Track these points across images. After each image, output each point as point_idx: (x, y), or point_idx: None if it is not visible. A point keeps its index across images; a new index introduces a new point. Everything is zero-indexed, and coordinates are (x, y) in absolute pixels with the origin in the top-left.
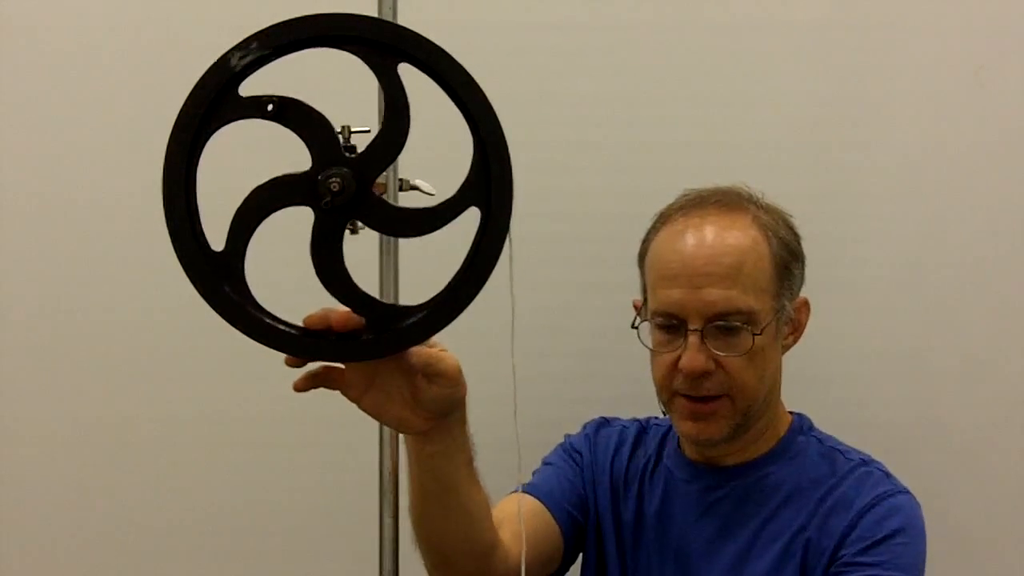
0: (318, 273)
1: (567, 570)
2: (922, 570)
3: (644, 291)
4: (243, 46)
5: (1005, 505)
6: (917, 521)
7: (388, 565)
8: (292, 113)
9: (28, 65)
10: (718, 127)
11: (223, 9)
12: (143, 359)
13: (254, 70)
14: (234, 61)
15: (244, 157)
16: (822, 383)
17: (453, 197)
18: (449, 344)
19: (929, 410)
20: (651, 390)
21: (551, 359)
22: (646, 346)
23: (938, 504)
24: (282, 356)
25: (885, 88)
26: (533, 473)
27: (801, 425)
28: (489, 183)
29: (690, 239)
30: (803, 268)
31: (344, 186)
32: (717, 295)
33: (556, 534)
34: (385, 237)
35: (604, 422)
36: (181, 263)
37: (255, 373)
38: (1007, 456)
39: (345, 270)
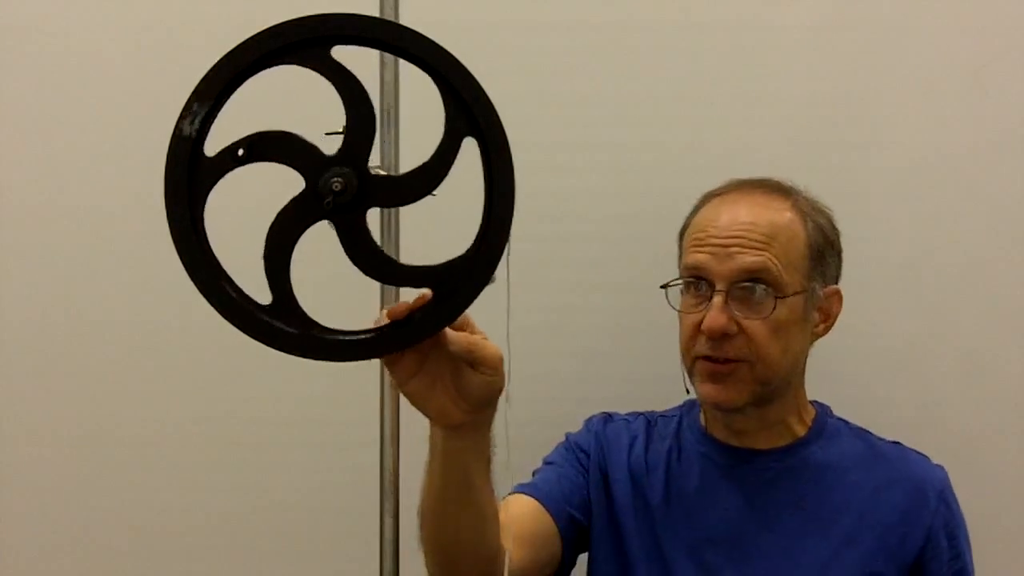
0: (367, 273)
1: (567, 573)
2: None
3: (679, 262)
4: (187, 110)
5: (1005, 505)
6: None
7: (388, 565)
8: (262, 147)
9: (28, 65)
10: (718, 127)
11: (223, 8)
12: (143, 359)
13: (209, 126)
14: (187, 129)
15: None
16: (822, 383)
17: (444, 136)
18: None
19: (929, 410)
20: (650, 390)
21: (551, 359)
22: (674, 307)
23: None
24: (282, 356)
25: (885, 89)
26: (534, 472)
27: (826, 409)
28: (466, 106)
29: (728, 211)
30: (839, 261)
31: (345, 182)
32: (744, 259)
33: (555, 536)
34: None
35: (608, 417)
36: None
37: (255, 373)
38: (1007, 456)
39: (390, 256)
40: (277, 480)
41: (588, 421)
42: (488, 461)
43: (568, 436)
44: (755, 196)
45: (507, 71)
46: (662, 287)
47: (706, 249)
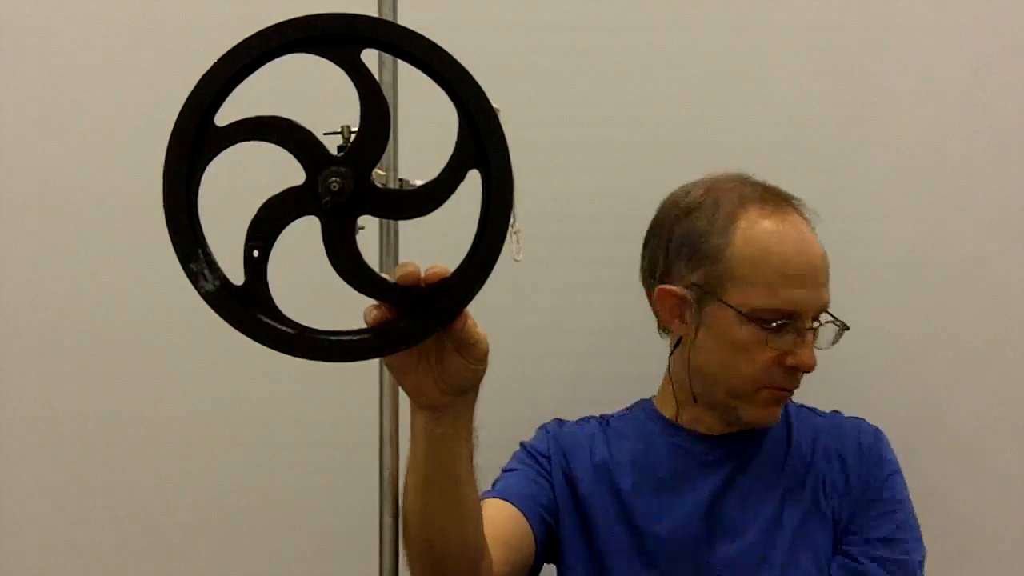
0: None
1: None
2: None
3: (712, 280)
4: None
5: (1005, 505)
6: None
7: (388, 565)
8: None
9: (28, 65)
10: (718, 127)
11: (223, 7)
12: (143, 359)
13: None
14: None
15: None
16: (821, 383)
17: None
18: None
19: (929, 410)
20: (649, 390)
21: (551, 359)
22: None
23: (938, 504)
24: (281, 358)
25: (884, 88)
26: (493, 483)
27: None
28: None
29: (794, 240)
30: None
31: (343, 184)
32: (826, 294)
33: (530, 537)
34: (385, 236)
35: (561, 422)
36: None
37: (255, 373)
38: (1007, 456)
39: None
40: (277, 480)
41: (542, 428)
42: (471, 454)
43: (523, 444)
44: (795, 215)
45: (507, 71)
46: (770, 328)
47: (801, 287)
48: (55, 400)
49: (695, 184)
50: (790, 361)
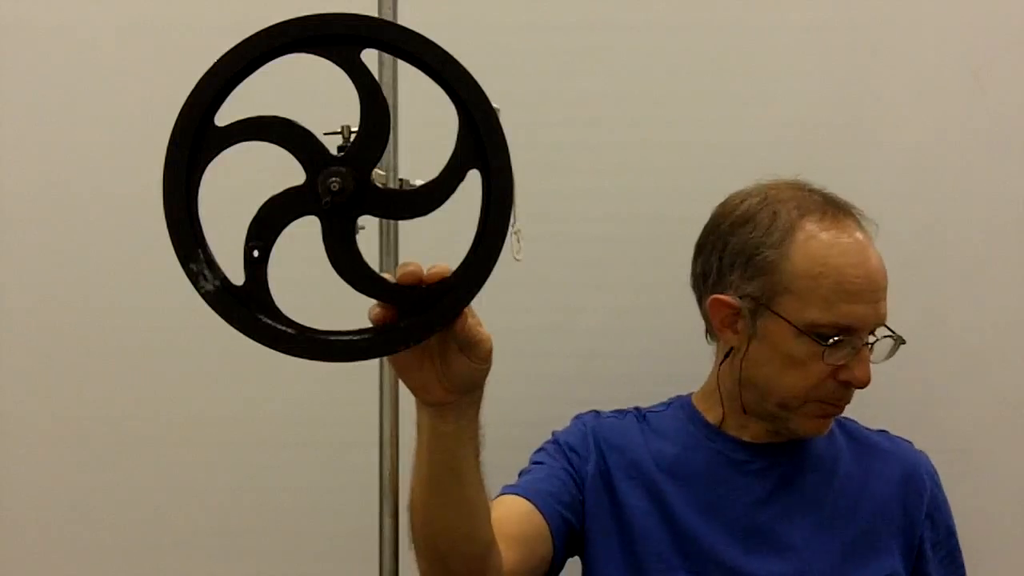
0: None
1: (556, 574)
2: None
3: (767, 292)
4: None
5: (1005, 505)
6: None
7: (388, 565)
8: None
9: (28, 65)
10: (717, 127)
11: (223, 7)
12: (143, 359)
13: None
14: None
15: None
16: None
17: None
18: None
19: (929, 410)
20: (649, 390)
21: (551, 359)
22: (778, 351)
23: None
24: (281, 358)
25: (883, 89)
26: (521, 472)
27: None
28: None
29: (857, 251)
30: None
31: (343, 184)
32: (884, 307)
33: (547, 536)
34: (385, 236)
35: (597, 414)
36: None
37: (255, 373)
38: (1007, 456)
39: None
40: (277, 480)
41: (577, 419)
42: (476, 453)
43: (556, 435)
44: (854, 229)
45: (507, 71)
46: (827, 345)
47: (861, 303)
48: (54, 400)
49: (750, 192)
50: (844, 376)
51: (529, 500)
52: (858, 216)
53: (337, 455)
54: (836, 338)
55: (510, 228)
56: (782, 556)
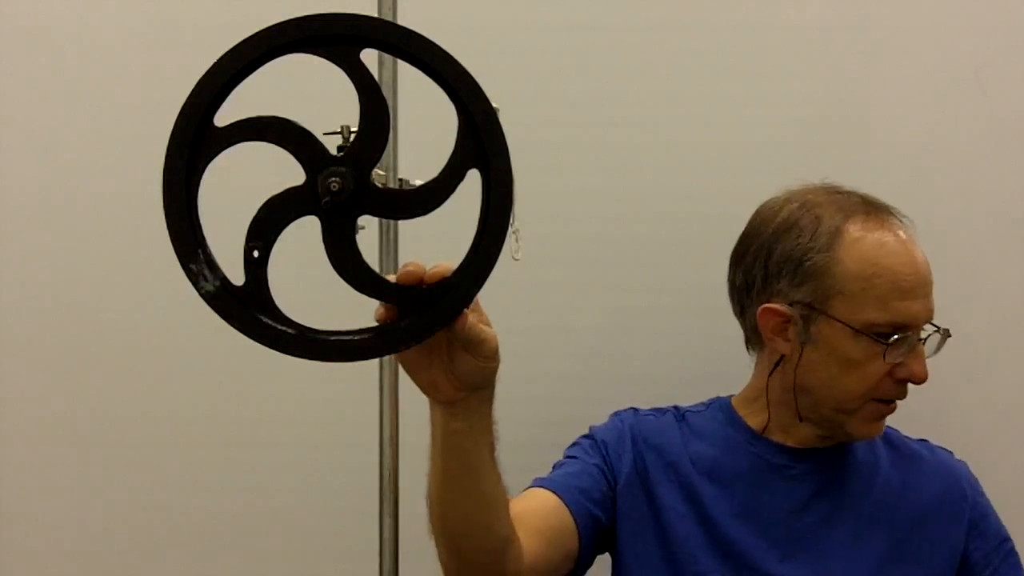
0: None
1: (583, 571)
2: None
3: (819, 297)
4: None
5: (1005, 505)
6: None
7: (388, 565)
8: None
9: (28, 65)
10: (718, 127)
11: (223, 7)
12: (143, 359)
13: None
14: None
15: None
16: None
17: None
18: None
19: (929, 409)
20: (649, 390)
21: (551, 359)
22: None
23: None
24: (281, 358)
25: (885, 89)
26: (554, 466)
27: None
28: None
29: (905, 251)
30: None
31: (343, 184)
32: (932, 304)
33: (573, 532)
34: (385, 236)
35: (636, 412)
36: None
37: (255, 373)
38: (1007, 456)
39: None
40: (277, 480)
41: (616, 416)
42: (491, 448)
43: (593, 431)
44: (897, 226)
45: (507, 71)
46: (888, 343)
47: (914, 300)
48: (54, 400)
49: (786, 198)
50: (901, 374)
51: (558, 495)
52: (896, 213)
53: (337, 455)
54: (895, 336)
55: (510, 228)
56: (817, 564)
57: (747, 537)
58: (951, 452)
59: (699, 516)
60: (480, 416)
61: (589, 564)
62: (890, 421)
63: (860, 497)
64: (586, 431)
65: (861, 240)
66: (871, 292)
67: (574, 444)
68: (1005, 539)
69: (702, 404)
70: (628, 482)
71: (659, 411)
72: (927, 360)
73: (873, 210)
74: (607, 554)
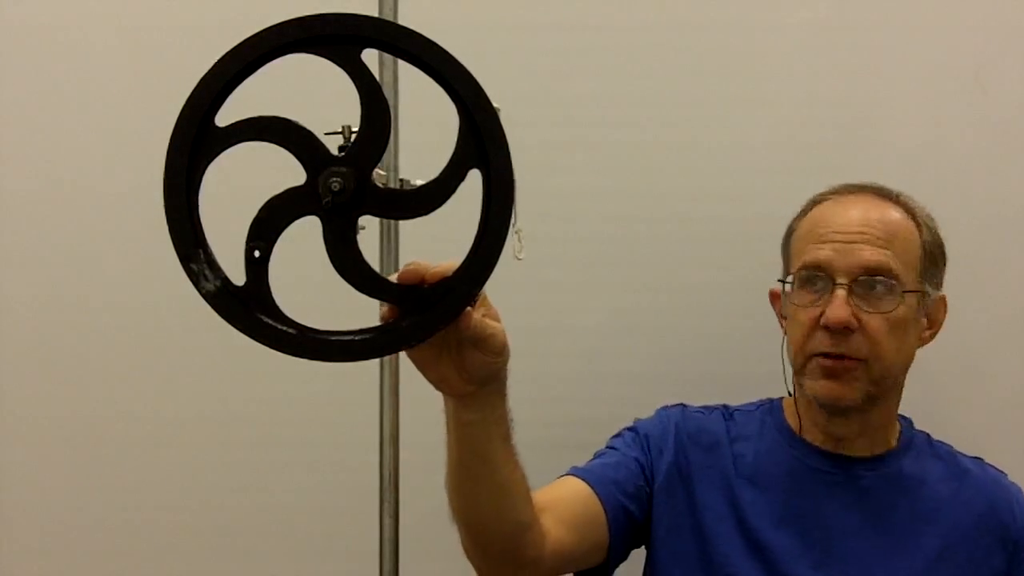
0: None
1: (616, 566)
2: None
3: (788, 271)
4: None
5: None
6: None
7: (388, 565)
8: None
9: (28, 65)
10: (718, 128)
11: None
12: (144, 359)
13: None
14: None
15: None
16: None
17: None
18: None
19: (929, 409)
20: (650, 390)
21: (551, 359)
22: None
23: None
24: (281, 358)
25: (885, 89)
26: (594, 455)
27: (910, 422)
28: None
29: (844, 210)
30: (944, 268)
31: (344, 184)
32: (867, 255)
33: (602, 523)
34: (385, 236)
35: (684, 408)
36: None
37: (255, 373)
38: (1007, 456)
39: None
40: (277, 480)
41: (663, 411)
42: (504, 437)
43: (637, 424)
44: (867, 197)
45: (507, 71)
46: (780, 281)
47: (828, 245)
48: (54, 400)
49: None
50: (823, 320)
51: (590, 485)
52: (884, 191)
53: (337, 455)
54: (809, 275)
55: (512, 228)
56: (853, 573)
57: (782, 542)
58: (1005, 473)
59: (736, 518)
60: (492, 408)
61: (623, 556)
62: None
63: (902, 508)
64: (588, 431)
65: (813, 210)
66: (798, 247)
67: (617, 435)
68: None
69: (753, 403)
70: (668, 478)
71: (707, 409)
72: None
73: (854, 187)
74: (642, 548)
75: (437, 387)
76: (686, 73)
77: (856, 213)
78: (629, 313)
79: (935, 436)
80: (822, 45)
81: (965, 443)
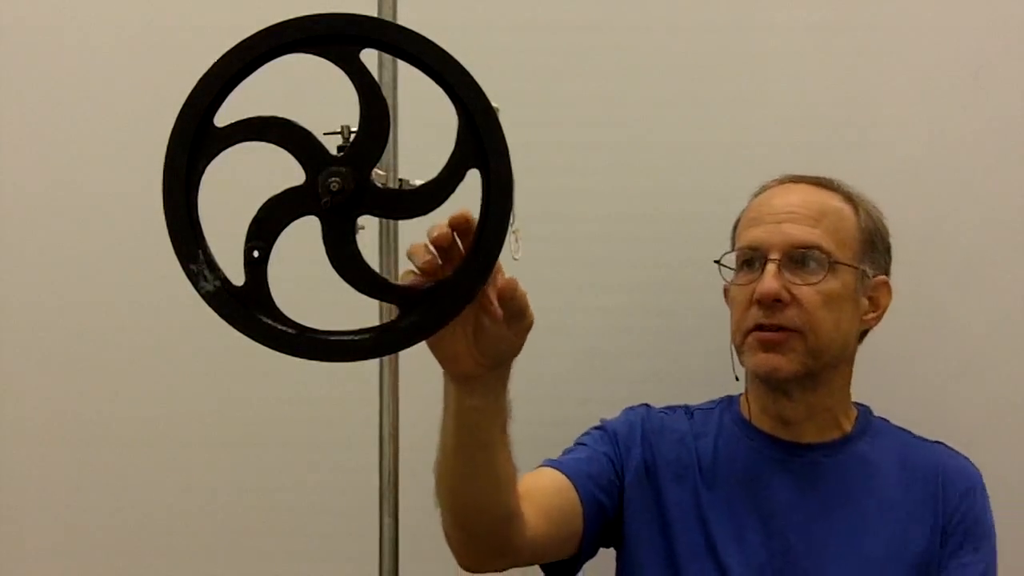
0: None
1: (584, 560)
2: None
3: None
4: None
5: (1005, 505)
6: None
7: (388, 565)
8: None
9: (28, 65)
10: (718, 127)
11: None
12: (143, 359)
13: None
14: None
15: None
16: None
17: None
18: None
19: (929, 409)
20: (650, 390)
21: (551, 359)
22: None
23: None
24: (281, 358)
25: (885, 89)
26: (565, 451)
27: (867, 409)
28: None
29: (779, 194)
30: (888, 255)
31: (343, 184)
32: (796, 232)
33: (578, 514)
34: (385, 236)
35: (648, 408)
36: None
37: (255, 373)
38: (1007, 456)
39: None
40: (277, 480)
41: (629, 410)
42: (503, 426)
43: (604, 423)
44: (805, 185)
45: (507, 71)
46: (715, 262)
47: (759, 226)
48: (54, 400)
49: None
50: (755, 295)
51: (567, 476)
52: (826, 182)
53: (337, 455)
54: (745, 258)
55: (510, 228)
56: (813, 559)
57: (744, 533)
58: (968, 459)
59: (698, 512)
60: (496, 395)
61: (593, 551)
62: (890, 418)
63: (859, 493)
64: (585, 430)
65: (758, 196)
66: (738, 233)
67: (584, 434)
68: (977, 549)
69: (713, 401)
70: (636, 474)
71: (671, 409)
72: (883, 363)
73: (797, 177)
74: (609, 555)
75: (445, 365)
76: (685, 73)
77: (793, 197)
78: (629, 313)
79: (934, 436)
80: (822, 45)
81: (965, 443)
